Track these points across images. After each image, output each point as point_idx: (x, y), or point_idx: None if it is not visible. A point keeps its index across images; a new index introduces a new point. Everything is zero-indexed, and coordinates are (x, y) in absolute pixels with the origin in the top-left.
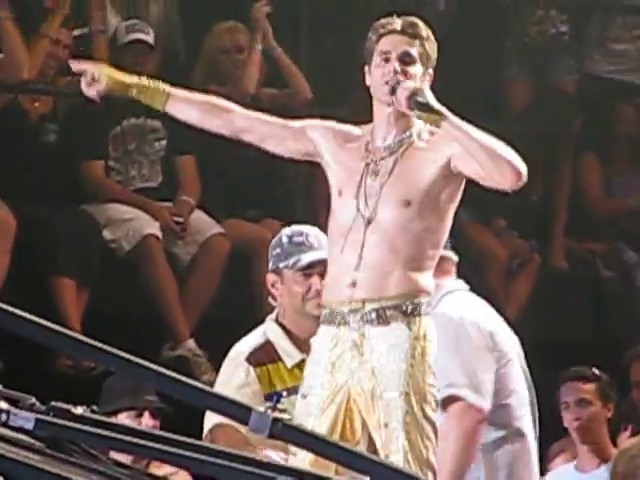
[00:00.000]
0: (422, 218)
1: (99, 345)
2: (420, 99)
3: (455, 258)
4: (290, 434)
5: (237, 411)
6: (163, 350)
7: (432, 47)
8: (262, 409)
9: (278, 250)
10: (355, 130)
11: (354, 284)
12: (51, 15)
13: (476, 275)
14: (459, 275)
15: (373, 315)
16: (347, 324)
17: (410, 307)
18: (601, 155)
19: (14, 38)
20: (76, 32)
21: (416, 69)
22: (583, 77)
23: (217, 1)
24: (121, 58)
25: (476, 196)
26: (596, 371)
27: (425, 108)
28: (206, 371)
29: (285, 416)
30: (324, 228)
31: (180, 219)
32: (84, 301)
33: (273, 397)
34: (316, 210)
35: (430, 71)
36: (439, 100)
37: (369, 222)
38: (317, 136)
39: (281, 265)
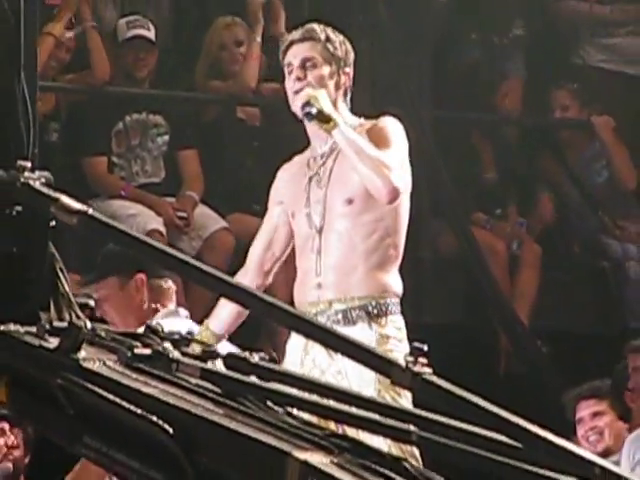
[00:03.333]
0: (369, 210)
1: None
2: (308, 109)
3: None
4: (428, 389)
5: (380, 364)
6: None
7: (338, 46)
8: (404, 364)
9: None
10: (297, 157)
11: (319, 286)
12: (57, 14)
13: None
14: None
15: (340, 316)
16: None
17: (375, 308)
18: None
19: None
20: (68, 34)
21: (319, 72)
22: None
23: None
24: (122, 54)
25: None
26: None
27: (316, 118)
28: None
29: (426, 370)
30: None
31: (184, 214)
32: None
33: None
34: None
35: (347, 69)
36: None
37: (321, 228)
38: (278, 210)
39: None
